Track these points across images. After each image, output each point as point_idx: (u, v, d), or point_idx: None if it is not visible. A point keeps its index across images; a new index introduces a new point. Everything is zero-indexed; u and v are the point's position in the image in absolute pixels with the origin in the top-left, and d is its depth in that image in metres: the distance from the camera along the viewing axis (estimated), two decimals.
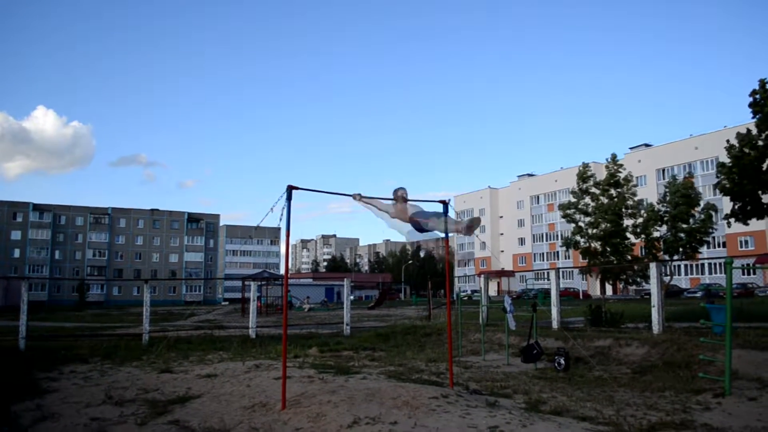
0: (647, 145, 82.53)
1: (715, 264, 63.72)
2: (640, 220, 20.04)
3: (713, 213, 19.89)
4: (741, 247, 65.36)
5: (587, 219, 20.23)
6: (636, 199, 20.42)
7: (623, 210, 19.66)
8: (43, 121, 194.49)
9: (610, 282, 20.98)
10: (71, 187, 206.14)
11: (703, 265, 66.28)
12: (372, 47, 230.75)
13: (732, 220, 18.83)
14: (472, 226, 7.67)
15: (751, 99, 18.05)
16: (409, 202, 8.13)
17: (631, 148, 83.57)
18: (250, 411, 7.58)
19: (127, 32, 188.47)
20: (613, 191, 20.13)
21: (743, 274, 45.42)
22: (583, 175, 21.02)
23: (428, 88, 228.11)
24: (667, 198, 20.35)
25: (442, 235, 8.41)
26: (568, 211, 20.66)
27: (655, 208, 20.51)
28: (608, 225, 19.36)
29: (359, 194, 8.04)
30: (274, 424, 6.84)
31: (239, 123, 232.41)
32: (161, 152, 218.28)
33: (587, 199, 20.61)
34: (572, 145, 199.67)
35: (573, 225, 20.68)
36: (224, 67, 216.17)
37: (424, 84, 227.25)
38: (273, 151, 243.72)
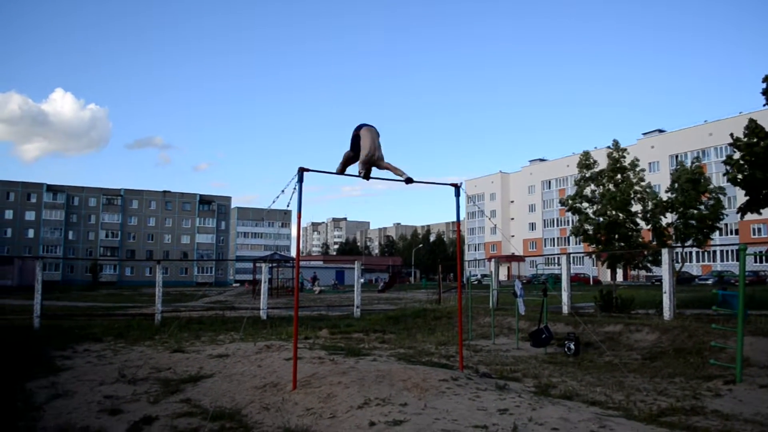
0: (661, 131, 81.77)
1: (726, 251, 63.28)
2: (650, 206, 19.87)
3: (721, 197, 19.68)
4: (754, 234, 64.86)
5: (594, 207, 20.07)
6: (644, 183, 20.21)
7: (631, 195, 19.47)
8: (61, 103, 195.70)
9: (620, 267, 20.83)
10: (88, 169, 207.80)
11: (714, 252, 65.85)
12: (385, 32, 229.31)
13: (746, 212, 18.68)
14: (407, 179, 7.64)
15: (764, 85, 17.80)
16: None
17: (644, 134, 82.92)
18: (261, 391, 7.65)
19: (143, 16, 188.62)
20: (619, 176, 19.93)
21: (756, 261, 45.09)
22: (584, 163, 20.84)
23: (441, 73, 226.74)
24: (676, 185, 20.15)
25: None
26: (572, 202, 20.51)
27: (661, 196, 20.29)
28: (615, 212, 19.19)
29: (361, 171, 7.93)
30: (285, 404, 6.89)
31: (252, 106, 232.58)
32: (176, 135, 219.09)
33: (592, 186, 20.44)
34: (585, 131, 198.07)
35: (579, 215, 20.54)
36: (239, 50, 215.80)
37: (436, 69, 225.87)
38: (285, 134, 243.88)
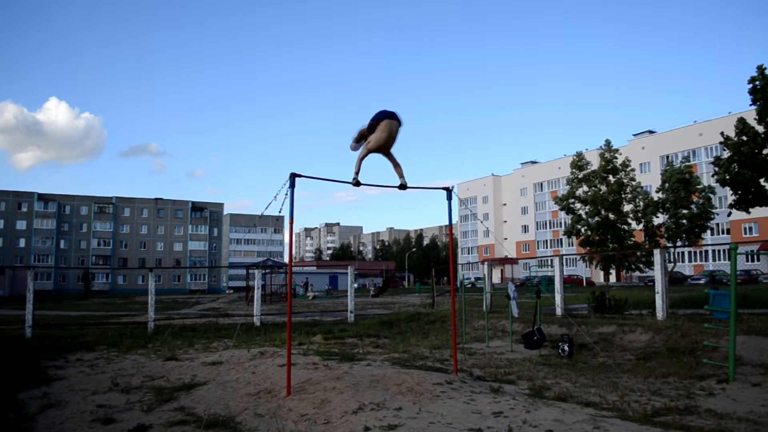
0: (651, 132, 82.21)
1: (719, 251, 63.63)
2: (641, 205, 19.96)
3: (711, 196, 19.80)
4: (745, 233, 65.24)
5: (586, 208, 20.16)
6: (635, 183, 20.31)
7: (622, 195, 19.57)
8: (56, 112, 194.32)
9: (613, 269, 20.93)
10: (82, 178, 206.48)
11: (706, 251, 66.15)
12: (375, 35, 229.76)
13: (734, 210, 18.78)
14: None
15: (750, 86, 17.92)
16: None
17: (634, 135, 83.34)
18: (255, 398, 7.63)
19: (137, 24, 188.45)
20: (611, 177, 20.03)
21: (747, 260, 45.38)
22: (578, 164, 20.95)
23: (431, 76, 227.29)
24: (666, 185, 20.24)
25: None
26: (569, 202, 20.58)
27: (652, 196, 20.41)
28: (607, 212, 19.28)
29: (354, 179, 7.84)
30: (279, 410, 6.87)
31: (246, 111, 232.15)
32: (171, 142, 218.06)
33: (584, 187, 20.55)
34: (576, 133, 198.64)
35: (572, 215, 20.62)
36: (233, 56, 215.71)
37: (427, 72, 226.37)
38: (279, 140, 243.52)
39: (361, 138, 7.93)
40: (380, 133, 7.47)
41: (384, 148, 7.61)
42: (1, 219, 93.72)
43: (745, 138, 17.79)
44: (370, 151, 7.59)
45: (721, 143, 18.98)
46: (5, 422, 6.96)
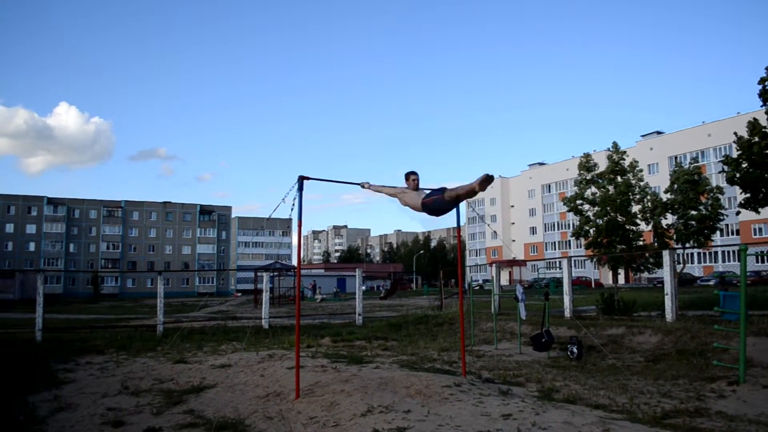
0: (659, 133, 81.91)
1: (728, 252, 63.25)
2: (649, 206, 19.85)
3: (720, 197, 19.68)
4: (755, 234, 64.83)
5: (594, 209, 20.07)
6: (642, 184, 20.21)
7: (630, 197, 19.48)
8: (66, 117, 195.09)
9: (622, 270, 20.81)
10: (91, 182, 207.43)
11: (716, 252, 65.81)
12: (381, 38, 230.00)
13: (744, 210, 18.67)
14: (485, 180, 6.79)
15: (760, 87, 17.82)
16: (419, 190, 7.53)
17: (642, 136, 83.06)
18: (264, 400, 7.64)
19: (145, 29, 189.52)
20: (619, 179, 19.94)
21: (757, 261, 45.09)
22: (585, 165, 20.85)
23: (438, 78, 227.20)
24: (675, 186, 20.13)
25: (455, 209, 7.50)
26: (577, 203, 20.49)
27: (660, 197, 20.26)
28: (615, 214, 19.19)
29: (367, 182, 7.92)
30: (288, 413, 6.88)
31: (253, 115, 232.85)
32: (180, 146, 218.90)
33: (593, 188, 20.46)
34: (584, 134, 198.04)
35: (580, 216, 20.53)
36: (239, 60, 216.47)
37: (434, 74, 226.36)
38: (285, 144, 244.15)
39: (409, 185, 7.60)
40: (419, 209, 7.34)
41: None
42: (11, 223, 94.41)
43: (757, 138, 17.71)
44: (396, 197, 7.53)
45: (734, 142, 18.88)
46: (16, 425, 7.01)
